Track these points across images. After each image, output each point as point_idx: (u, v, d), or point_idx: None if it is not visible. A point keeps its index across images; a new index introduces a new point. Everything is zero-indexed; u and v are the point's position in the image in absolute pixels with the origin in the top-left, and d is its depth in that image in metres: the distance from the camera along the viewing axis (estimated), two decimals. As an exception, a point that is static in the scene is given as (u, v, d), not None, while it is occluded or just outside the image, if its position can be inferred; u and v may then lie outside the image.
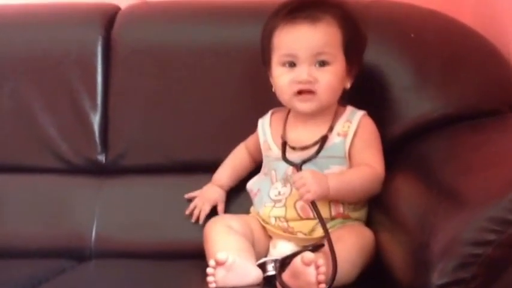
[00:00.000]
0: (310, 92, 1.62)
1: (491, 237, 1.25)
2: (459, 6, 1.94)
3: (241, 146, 1.81)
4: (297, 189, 1.58)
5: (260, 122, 1.77)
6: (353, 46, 1.65)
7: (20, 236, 1.88)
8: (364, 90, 1.72)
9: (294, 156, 1.66)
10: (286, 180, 1.66)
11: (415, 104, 1.74)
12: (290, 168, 1.65)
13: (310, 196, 1.56)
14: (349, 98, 1.72)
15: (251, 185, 1.75)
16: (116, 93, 1.94)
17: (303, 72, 1.61)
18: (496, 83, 1.77)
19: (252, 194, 1.74)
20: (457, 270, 1.25)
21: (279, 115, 1.74)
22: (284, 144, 1.68)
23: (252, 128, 1.79)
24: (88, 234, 1.86)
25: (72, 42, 1.96)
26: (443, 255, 1.27)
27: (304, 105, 1.64)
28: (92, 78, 1.94)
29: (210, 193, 1.79)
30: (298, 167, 1.63)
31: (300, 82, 1.62)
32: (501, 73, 1.79)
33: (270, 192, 1.67)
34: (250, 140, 1.80)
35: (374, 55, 1.73)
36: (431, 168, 1.56)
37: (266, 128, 1.75)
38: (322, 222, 1.56)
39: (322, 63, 1.62)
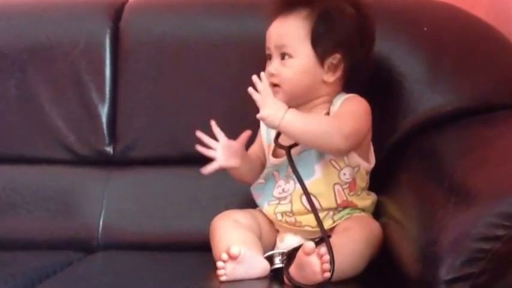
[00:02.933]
0: (276, 85, 1.65)
1: (500, 232, 1.24)
2: (473, 0, 1.92)
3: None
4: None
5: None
6: (326, 39, 1.63)
7: (27, 227, 1.89)
8: (377, 83, 1.72)
9: (287, 142, 1.64)
10: (288, 176, 1.66)
11: (428, 97, 1.74)
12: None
13: (259, 114, 1.56)
14: (364, 89, 1.70)
15: (253, 189, 1.74)
16: (124, 85, 1.94)
17: (271, 65, 1.66)
18: (508, 77, 1.77)
19: (255, 198, 1.73)
20: (466, 266, 1.25)
21: None
22: (279, 132, 1.67)
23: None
24: (95, 225, 1.87)
25: (80, 34, 1.96)
26: (452, 250, 1.27)
27: (276, 96, 1.66)
28: (100, 69, 1.95)
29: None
30: (286, 149, 1.62)
31: (269, 75, 1.66)
32: (513, 67, 1.79)
33: (273, 191, 1.67)
34: (255, 146, 1.76)
35: (387, 48, 1.74)
36: (442, 162, 1.55)
37: (272, 131, 1.71)
38: (315, 212, 1.56)
39: (285, 56, 1.65)
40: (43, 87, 1.94)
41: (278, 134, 1.67)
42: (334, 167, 1.64)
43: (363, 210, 1.66)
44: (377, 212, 1.67)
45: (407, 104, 1.75)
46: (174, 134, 1.91)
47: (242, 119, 1.85)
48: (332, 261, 1.45)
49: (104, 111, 1.94)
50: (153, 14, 1.99)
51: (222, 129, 1.85)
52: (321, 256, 1.44)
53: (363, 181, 1.67)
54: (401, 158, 1.69)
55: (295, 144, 1.63)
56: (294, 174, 1.60)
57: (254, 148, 1.77)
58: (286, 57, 1.65)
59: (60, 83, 1.95)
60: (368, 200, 1.67)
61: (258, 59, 1.83)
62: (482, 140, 1.56)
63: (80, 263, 1.74)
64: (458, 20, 1.85)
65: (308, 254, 1.44)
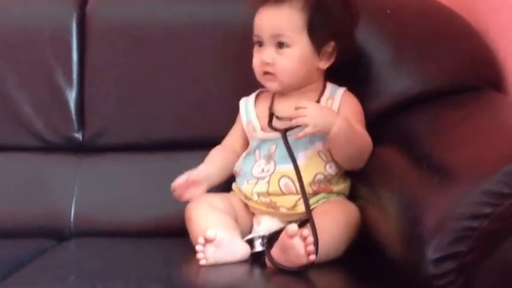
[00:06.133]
0: (271, 73, 1.66)
1: (487, 210, 1.25)
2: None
3: (228, 150, 1.76)
4: (296, 121, 1.58)
5: (242, 103, 1.76)
6: (322, 29, 1.65)
7: (-3, 215, 1.86)
8: (342, 67, 1.72)
9: (280, 125, 1.66)
10: (269, 158, 1.66)
11: (394, 81, 1.75)
12: (273, 146, 1.66)
13: (309, 129, 1.57)
14: (327, 74, 1.72)
15: (235, 167, 1.74)
16: (91, 70, 1.92)
17: (265, 54, 1.66)
18: (473, 59, 1.78)
19: (235, 174, 1.73)
20: (453, 244, 1.26)
21: (266, 94, 1.75)
22: (271, 115, 1.68)
23: (230, 106, 1.78)
24: (67, 213, 1.85)
25: (46, 19, 1.94)
26: (438, 230, 1.28)
27: (269, 84, 1.69)
28: (67, 54, 1.92)
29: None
30: (282, 132, 1.63)
31: (263, 63, 1.66)
32: (477, 49, 1.80)
33: (253, 170, 1.67)
34: (233, 136, 1.76)
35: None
36: (417, 143, 1.56)
37: (250, 108, 1.74)
38: (304, 192, 1.57)
39: (282, 45, 1.65)
40: (10, 73, 1.91)
41: (271, 118, 1.68)
42: (322, 159, 1.65)
43: (338, 194, 1.67)
44: (352, 196, 1.68)
45: (374, 87, 1.75)
46: (143, 120, 1.89)
47: (210, 105, 1.86)
48: (316, 243, 1.45)
49: (71, 96, 1.91)
50: (120, -2, 1.96)
51: (190, 115, 1.86)
52: (304, 238, 1.44)
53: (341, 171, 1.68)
54: (373, 140, 1.70)
55: (290, 129, 1.62)
56: (289, 156, 1.59)
57: (229, 141, 1.77)
58: (284, 46, 1.65)
59: (27, 69, 1.91)
60: (343, 184, 1.68)
61: (228, 46, 1.85)
62: (454, 121, 1.57)
63: (55, 251, 1.71)
64: (421, 4, 1.86)
65: (291, 236, 1.43)
